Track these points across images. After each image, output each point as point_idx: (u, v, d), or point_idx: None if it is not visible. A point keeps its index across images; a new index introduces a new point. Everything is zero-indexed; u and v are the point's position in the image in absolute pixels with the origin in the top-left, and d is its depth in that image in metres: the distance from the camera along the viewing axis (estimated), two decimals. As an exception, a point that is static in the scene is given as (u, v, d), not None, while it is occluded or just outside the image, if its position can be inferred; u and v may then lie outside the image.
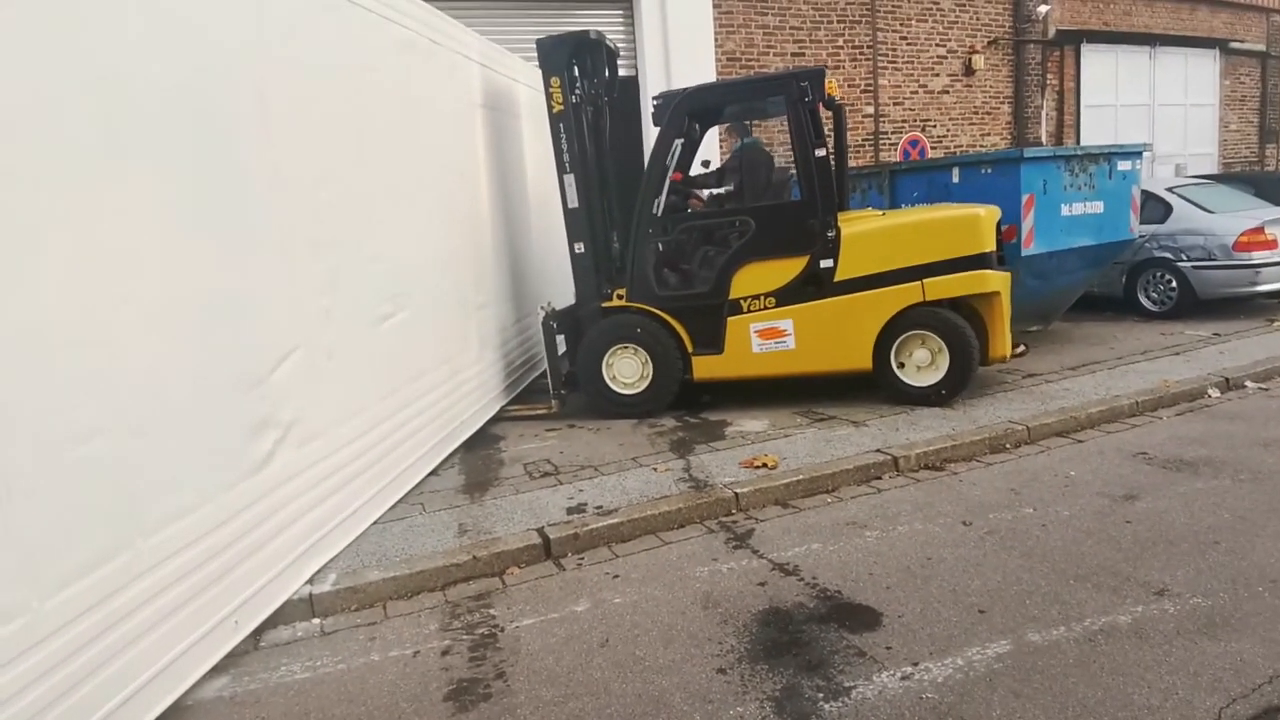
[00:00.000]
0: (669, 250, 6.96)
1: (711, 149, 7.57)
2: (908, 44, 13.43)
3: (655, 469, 5.54)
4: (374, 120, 5.09)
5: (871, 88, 13.17)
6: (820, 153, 6.42)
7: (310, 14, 4.45)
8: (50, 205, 2.80)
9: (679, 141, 6.78)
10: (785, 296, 6.56)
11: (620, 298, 6.89)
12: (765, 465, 5.44)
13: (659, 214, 6.75)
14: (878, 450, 5.60)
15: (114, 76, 3.11)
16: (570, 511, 4.88)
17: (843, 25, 12.82)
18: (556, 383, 7.08)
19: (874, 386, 6.79)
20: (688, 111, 6.77)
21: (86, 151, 2.96)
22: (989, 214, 6.56)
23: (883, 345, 6.54)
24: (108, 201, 3.03)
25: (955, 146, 14.00)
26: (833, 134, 6.92)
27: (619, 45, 10.67)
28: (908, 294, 6.40)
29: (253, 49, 3.93)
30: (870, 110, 13.21)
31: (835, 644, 3.44)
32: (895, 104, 13.44)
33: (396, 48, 5.43)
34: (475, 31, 7.22)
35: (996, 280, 6.47)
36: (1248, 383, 7.11)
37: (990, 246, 6.45)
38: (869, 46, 13.07)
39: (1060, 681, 3.07)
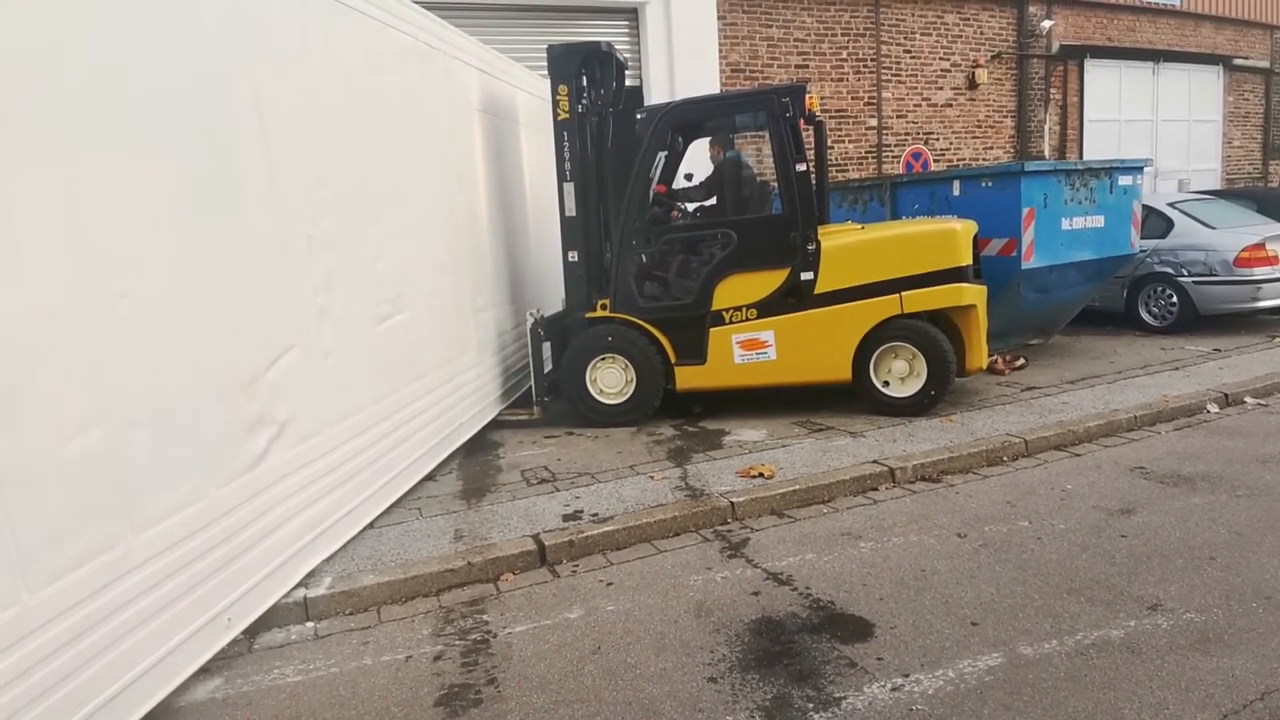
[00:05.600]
0: (652, 261, 7.01)
1: (698, 163, 7.61)
2: (911, 57, 13.47)
3: (652, 477, 5.55)
4: (372, 122, 5.12)
5: (875, 100, 13.21)
6: (801, 167, 6.51)
7: (307, 17, 4.48)
8: (50, 200, 2.83)
9: (663, 154, 6.85)
10: (767, 308, 6.64)
11: (604, 308, 6.94)
12: (762, 475, 5.44)
13: (643, 226, 6.84)
14: (875, 461, 5.61)
15: (114, 75, 3.14)
16: (566, 519, 4.88)
17: (847, 38, 12.87)
18: (540, 389, 7.12)
19: (869, 398, 6.80)
20: (671, 125, 6.88)
21: (86, 148, 2.99)
22: (965, 228, 6.64)
23: (862, 356, 6.61)
24: (106, 197, 3.06)
25: (958, 159, 14.03)
26: (813, 149, 7.00)
27: (624, 56, 10.78)
28: (886, 306, 6.49)
29: (250, 51, 3.95)
30: (873, 123, 13.25)
31: (826, 654, 3.44)
32: (898, 116, 13.48)
33: (394, 52, 5.46)
34: (481, 40, 7.27)
35: (972, 293, 6.55)
36: (1247, 398, 7.11)
37: (967, 260, 6.53)
38: (873, 59, 13.12)
39: (1051, 695, 3.07)
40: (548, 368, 7.29)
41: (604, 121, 6.96)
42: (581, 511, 4.98)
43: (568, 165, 6.84)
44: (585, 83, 6.85)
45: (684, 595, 4.05)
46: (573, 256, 6.99)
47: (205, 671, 3.48)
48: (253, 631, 3.81)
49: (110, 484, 3.01)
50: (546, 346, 7.19)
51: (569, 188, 6.86)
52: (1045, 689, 3.11)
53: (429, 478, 5.69)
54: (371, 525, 4.82)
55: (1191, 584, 3.89)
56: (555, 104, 6.79)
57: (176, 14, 3.51)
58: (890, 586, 4.02)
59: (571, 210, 6.91)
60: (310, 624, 3.98)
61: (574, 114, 6.76)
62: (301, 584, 4.09)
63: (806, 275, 6.56)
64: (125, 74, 3.20)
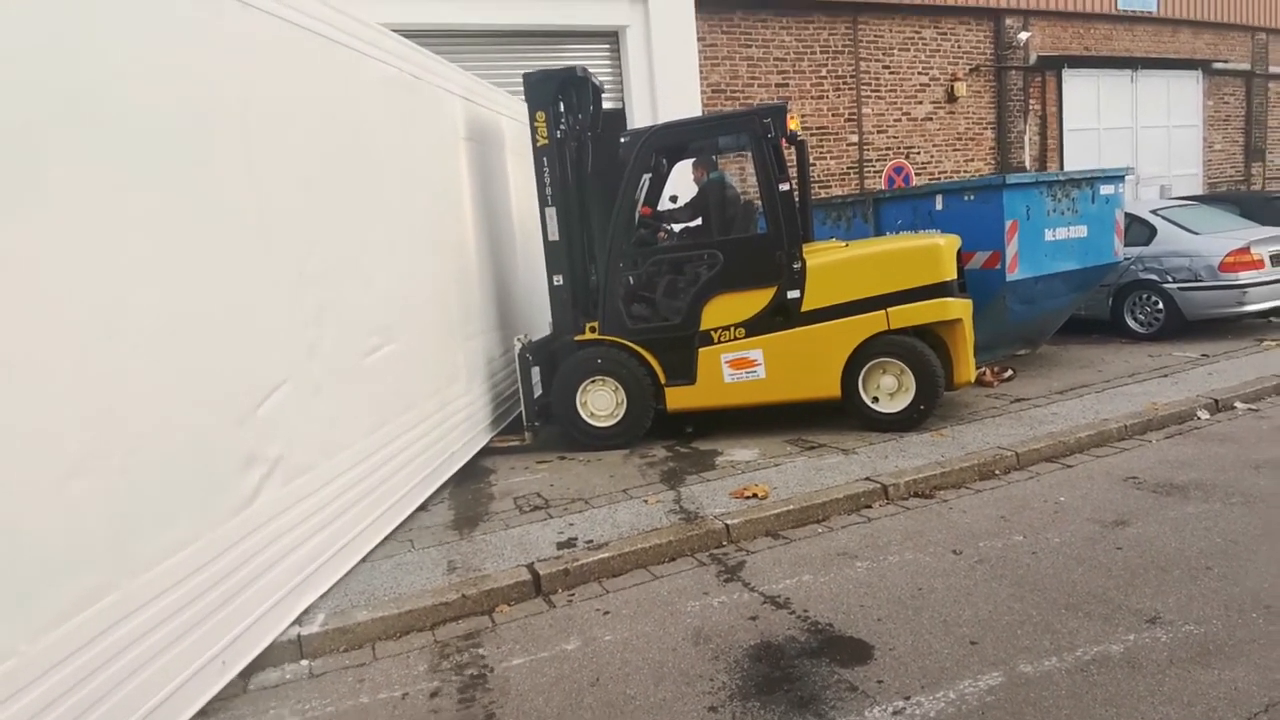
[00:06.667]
0: (640, 283, 7.03)
1: (682, 184, 7.65)
2: (890, 73, 13.57)
3: (646, 501, 5.52)
4: (361, 155, 5.14)
5: (855, 116, 13.29)
6: (784, 187, 6.56)
7: (294, 53, 4.49)
8: (39, 241, 2.81)
9: (647, 176, 6.88)
10: (754, 327, 6.67)
11: (593, 330, 6.94)
12: (756, 495, 5.42)
13: (629, 248, 6.86)
14: (867, 478, 5.60)
15: (103, 116, 3.13)
16: (560, 546, 4.85)
17: (825, 55, 12.95)
18: (530, 414, 7.10)
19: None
20: (655, 148, 6.93)
21: (76, 186, 2.98)
22: (949, 243, 6.68)
23: (850, 373, 6.63)
24: (94, 235, 3.04)
25: (939, 172, 14.11)
26: (796, 168, 7.06)
27: (606, 79, 10.85)
28: (873, 323, 6.52)
29: (236, 87, 3.95)
30: (854, 139, 13.32)
31: (827, 679, 3.42)
32: (879, 132, 13.56)
33: (381, 84, 5.48)
34: (464, 67, 7.31)
35: (958, 308, 6.59)
36: (1237, 404, 7.13)
37: (951, 275, 6.57)
38: (852, 76, 13.20)
39: (1052, 714, 3.05)
40: (537, 392, 7.27)
41: (583, 146, 7.01)
42: (576, 539, 4.95)
43: (549, 190, 6.89)
44: (563, 108, 6.90)
45: (682, 622, 4.03)
46: (557, 280, 7.01)
47: (202, 714, 3.42)
48: (247, 671, 3.76)
49: (105, 528, 3.00)
50: (536, 371, 7.18)
51: (551, 212, 6.90)
52: (1047, 708, 3.09)
53: (421, 507, 5.65)
54: (364, 558, 4.78)
55: (1189, 595, 3.89)
56: (534, 130, 6.83)
57: (165, 50, 3.51)
58: (888, 606, 4.00)
59: (554, 235, 6.94)
60: (305, 662, 3.93)
61: (553, 139, 6.81)
62: (295, 621, 4.05)
63: (793, 293, 6.59)
64: (114, 112, 3.19)
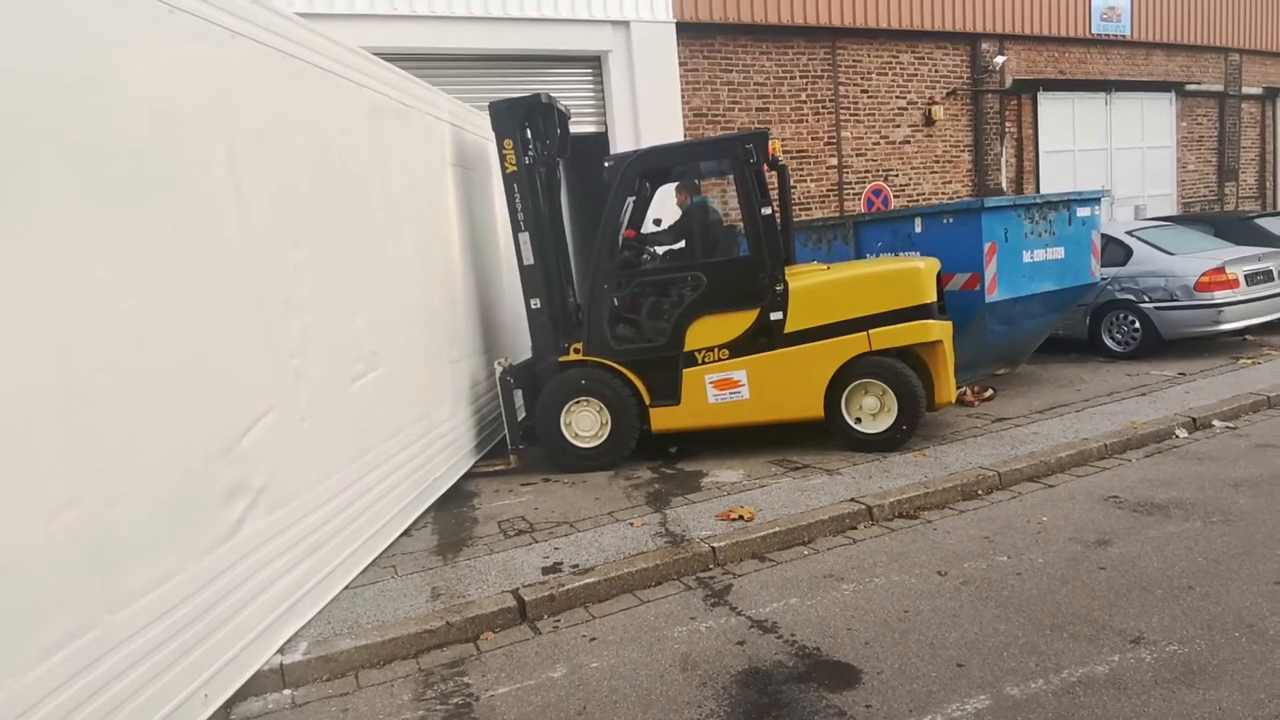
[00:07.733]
0: (624, 305, 7.07)
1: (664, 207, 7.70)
2: (869, 97, 13.72)
3: (632, 524, 5.51)
4: (348, 181, 5.14)
5: (835, 140, 13.42)
6: (766, 211, 6.63)
7: (282, 82, 4.49)
8: (23, 275, 2.79)
9: (631, 200, 6.95)
10: (738, 348, 6.72)
11: (577, 352, 6.97)
12: (742, 517, 5.42)
13: (614, 270, 6.91)
14: (852, 499, 5.61)
15: (86, 145, 3.11)
16: (546, 571, 4.82)
17: (805, 80, 13.09)
18: (514, 438, 7.10)
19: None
20: (639, 172, 6.99)
21: (59, 220, 2.96)
22: (929, 266, 6.76)
23: (833, 394, 6.69)
24: (82, 269, 3.03)
25: (918, 195, 14.26)
26: (777, 192, 7.13)
27: (588, 103, 10.93)
28: (855, 344, 6.58)
29: (225, 117, 3.95)
30: (834, 162, 13.45)
31: (815, 704, 3.41)
32: (858, 155, 13.69)
33: (369, 111, 5.50)
34: (446, 91, 7.33)
35: (938, 329, 6.66)
36: (1215, 422, 7.20)
37: (931, 297, 6.64)
38: (831, 100, 13.34)
39: (1040, 736, 3.06)
40: (521, 415, 7.26)
41: (552, 171, 7.05)
42: (561, 563, 4.93)
43: (520, 216, 6.94)
44: (530, 135, 6.95)
45: (669, 648, 4.01)
46: (535, 304, 7.05)
47: (180, 749, 3.38)
48: (230, 702, 3.71)
49: (90, 563, 2.97)
50: (519, 394, 7.18)
51: (524, 237, 6.96)
52: (1034, 730, 3.10)
53: (404, 533, 5.61)
54: (347, 586, 4.74)
55: (1172, 615, 3.91)
56: (502, 158, 6.90)
57: (149, 83, 3.50)
58: (874, 629, 4.01)
59: (529, 259, 6.99)
60: (288, 691, 3.89)
61: (521, 166, 6.87)
62: (278, 650, 4.00)
63: (776, 315, 6.64)
64: (101, 142, 3.18)
